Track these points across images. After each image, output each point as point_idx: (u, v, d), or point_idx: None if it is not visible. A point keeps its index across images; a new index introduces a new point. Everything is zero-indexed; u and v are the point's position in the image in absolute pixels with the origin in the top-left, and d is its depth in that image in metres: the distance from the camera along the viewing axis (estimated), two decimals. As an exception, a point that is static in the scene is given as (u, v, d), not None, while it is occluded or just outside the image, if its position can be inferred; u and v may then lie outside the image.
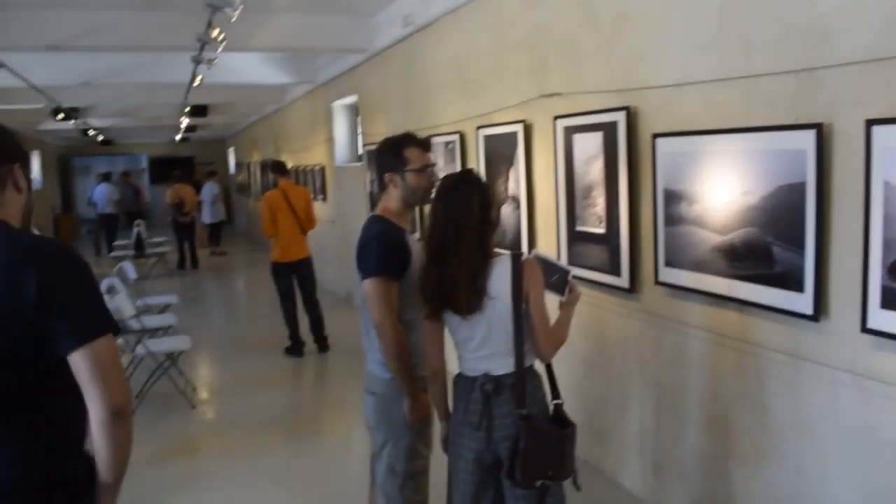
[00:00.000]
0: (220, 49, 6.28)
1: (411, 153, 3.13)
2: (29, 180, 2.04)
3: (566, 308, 2.90)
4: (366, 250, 3.05)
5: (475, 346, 2.76)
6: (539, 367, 2.86)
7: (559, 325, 2.83)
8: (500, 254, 2.75)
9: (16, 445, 1.83)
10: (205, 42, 5.86)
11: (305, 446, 5.53)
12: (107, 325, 1.85)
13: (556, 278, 2.91)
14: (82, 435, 1.91)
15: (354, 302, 9.89)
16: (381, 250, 3.02)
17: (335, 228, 10.93)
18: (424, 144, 3.22)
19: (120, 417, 1.82)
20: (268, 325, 9.19)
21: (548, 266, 2.91)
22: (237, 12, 4.69)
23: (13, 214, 1.96)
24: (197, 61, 6.76)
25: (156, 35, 7.37)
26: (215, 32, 5.70)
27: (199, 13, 6.55)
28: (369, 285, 3.01)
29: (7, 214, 1.93)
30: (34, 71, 9.11)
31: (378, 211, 3.20)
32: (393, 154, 3.13)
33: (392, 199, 3.16)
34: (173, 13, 7.13)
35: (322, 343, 7.90)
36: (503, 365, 2.73)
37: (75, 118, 14.21)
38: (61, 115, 12.96)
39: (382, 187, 3.17)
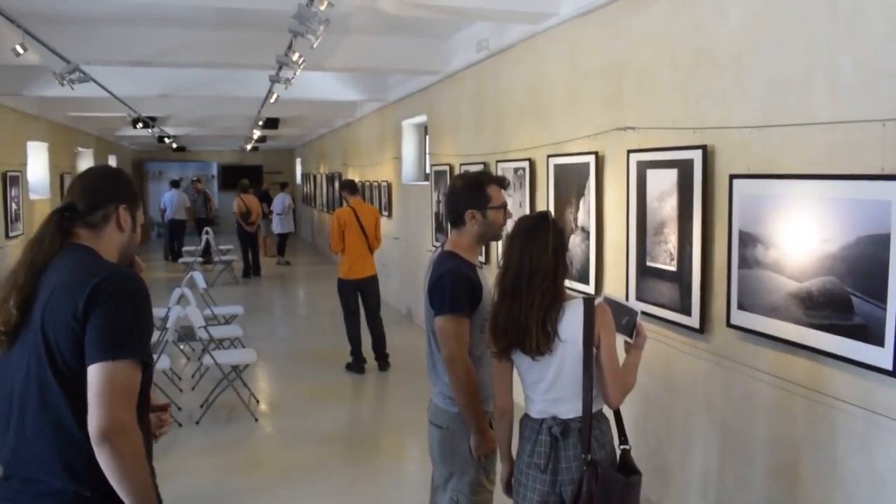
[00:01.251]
0: (298, 70, 6.42)
1: (493, 191, 3.17)
2: (136, 222, 2.24)
3: (634, 352, 2.88)
4: (439, 286, 3.08)
5: (544, 389, 2.76)
6: (607, 410, 2.85)
7: (627, 370, 2.82)
8: (573, 297, 2.76)
9: (62, 436, 1.96)
10: (284, 64, 6.01)
11: (362, 466, 5.58)
12: (130, 352, 1.95)
13: (627, 320, 2.90)
14: None
15: (416, 321, 9.96)
16: (454, 287, 3.05)
17: (399, 245, 11.03)
18: (503, 183, 3.28)
19: (104, 444, 1.87)
20: (329, 338, 9.33)
21: (618, 308, 2.91)
22: (318, 40, 4.79)
23: (109, 249, 2.16)
24: (274, 80, 6.93)
25: (234, 53, 7.59)
26: (295, 56, 5.84)
27: (275, 32, 6.72)
28: (442, 322, 3.04)
29: (103, 248, 2.14)
30: (118, 83, 9.46)
31: (449, 246, 3.23)
32: (476, 191, 3.16)
33: (466, 235, 3.19)
34: (251, 32, 7.33)
35: (383, 361, 7.97)
36: (571, 409, 2.72)
37: (152, 127, 14.68)
38: (140, 125, 13.40)
39: (458, 223, 3.19)
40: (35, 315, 2.00)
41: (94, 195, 2.19)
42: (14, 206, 11.11)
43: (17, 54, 5.73)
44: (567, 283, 2.79)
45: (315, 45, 5.05)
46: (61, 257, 2.09)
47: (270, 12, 5.58)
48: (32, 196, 12.37)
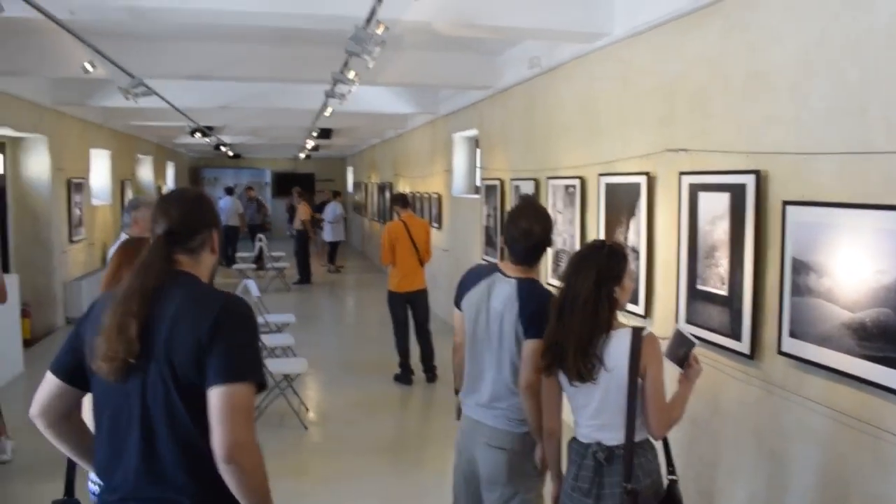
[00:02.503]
0: (353, 87, 6.55)
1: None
2: (221, 242, 2.34)
3: (685, 384, 2.89)
4: (540, 314, 3.06)
5: (590, 415, 2.81)
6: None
7: (675, 403, 2.83)
8: (621, 326, 2.79)
9: (184, 458, 2.06)
10: (339, 81, 6.13)
11: (407, 477, 5.65)
12: (251, 375, 2.06)
13: (683, 351, 2.91)
14: None
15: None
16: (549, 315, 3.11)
17: (448, 257, 11.10)
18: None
19: (230, 463, 1.98)
20: (377, 348, 9.43)
21: (680, 339, 2.93)
22: (373, 61, 4.89)
23: (204, 273, 2.28)
24: (330, 95, 7.07)
25: (291, 68, 7.78)
26: (351, 74, 5.97)
27: (331, 47, 6.86)
28: (536, 346, 3.05)
29: (200, 271, 2.26)
30: (178, 95, 9.73)
31: (521, 274, 3.27)
32: (550, 231, 3.32)
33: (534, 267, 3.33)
34: (308, 48, 7.49)
35: (431, 373, 8.04)
36: (616, 436, 2.76)
37: (210, 136, 15.04)
38: (198, 134, 13.75)
39: (536, 260, 3.34)
40: (157, 344, 2.06)
41: (193, 221, 2.26)
42: (77, 211, 11.48)
43: (87, 71, 5.96)
44: (623, 323, 2.82)
45: (370, 66, 5.15)
46: (171, 286, 2.15)
47: (328, 30, 5.70)
48: (94, 202, 12.77)
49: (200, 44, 7.41)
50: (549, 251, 3.31)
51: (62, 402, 2.23)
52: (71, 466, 2.55)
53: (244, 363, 2.07)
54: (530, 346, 3.10)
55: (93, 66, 6.04)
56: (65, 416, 2.26)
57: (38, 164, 10.30)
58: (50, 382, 2.23)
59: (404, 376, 7.99)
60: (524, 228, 3.24)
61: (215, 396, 2.00)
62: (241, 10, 4.93)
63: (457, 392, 3.62)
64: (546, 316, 3.07)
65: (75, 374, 2.20)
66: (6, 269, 9.18)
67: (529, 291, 3.21)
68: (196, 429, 2.05)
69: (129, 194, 14.94)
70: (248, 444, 2.02)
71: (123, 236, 4.79)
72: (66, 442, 2.30)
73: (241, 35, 7.08)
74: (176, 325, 2.07)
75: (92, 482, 2.82)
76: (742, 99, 4.15)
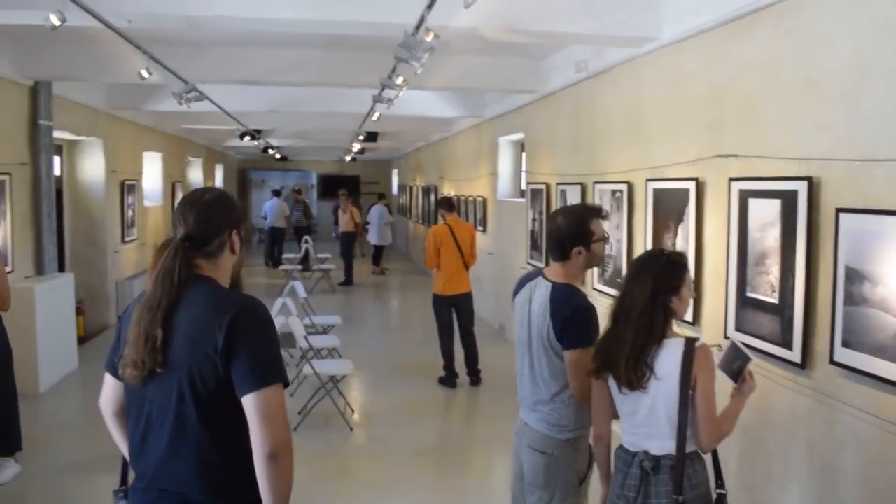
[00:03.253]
0: (401, 92, 6.61)
1: (594, 225, 3.26)
2: (241, 241, 2.36)
3: (737, 398, 2.87)
4: (573, 321, 3.12)
5: (637, 423, 2.80)
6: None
7: (726, 416, 2.81)
8: (674, 335, 2.78)
9: (199, 461, 2.14)
10: (387, 86, 6.19)
11: (450, 481, 5.67)
12: (277, 376, 2.13)
13: (738, 365, 2.89)
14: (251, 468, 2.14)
15: (508, 336, 10.00)
16: (589, 321, 3.14)
17: (493, 260, 11.11)
18: (601, 212, 3.36)
19: (275, 459, 2.06)
20: (421, 350, 9.48)
21: (735, 352, 2.91)
22: (422, 67, 4.94)
23: (224, 275, 2.31)
24: (377, 100, 7.14)
25: (339, 73, 7.89)
26: (399, 79, 6.02)
27: (379, 52, 6.95)
28: (579, 356, 3.07)
29: (219, 275, 2.29)
30: (229, 99, 9.93)
31: (558, 277, 3.26)
32: (580, 227, 3.23)
33: (573, 267, 3.25)
34: (357, 53, 7.60)
35: (475, 377, 8.06)
36: (664, 446, 2.74)
37: (258, 139, 15.27)
38: (248, 138, 13.98)
39: (564, 258, 3.26)
40: (175, 349, 2.13)
41: (210, 225, 2.26)
42: (130, 212, 11.75)
43: (143, 78, 6.12)
44: (676, 332, 2.81)
45: (419, 72, 5.20)
46: (189, 291, 2.19)
47: (376, 35, 5.77)
48: (146, 203, 13.06)
49: (252, 50, 7.55)
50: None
51: (116, 396, 2.36)
52: (126, 459, 2.67)
53: (269, 367, 2.12)
54: (571, 357, 3.11)
55: (149, 72, 6.20)
56: (121, 412, 2.37)
57: (93, 167, 10.58)
58: (107, 379, 2.38)
59: (448, 379, 8.02)
60: (555, 224, 3.30)
61: (250, 403, 2.08)
62: (294, 17, 5.02)
63: None
64: (583, 325, 3.10)
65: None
66: (62, 269, 9.44)
67: (563, 296, 3.20)
68: (207, 436, 2.14)
69: (180, 196, 15.24)
70: (288, 442, 2.11)
71: None
72: (121, 433, 2.42)
73: (291, 41, 7.19)
74: (192, 333, 2.13)
75: None
76: (794, 104, 4.10)
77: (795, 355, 3.99)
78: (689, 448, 2.74)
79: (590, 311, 3.17)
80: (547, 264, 3.47)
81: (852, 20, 3.65)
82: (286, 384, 2.16)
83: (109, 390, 2.37)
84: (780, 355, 4.11)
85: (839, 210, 3.63)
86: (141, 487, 2.24)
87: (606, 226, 3.59)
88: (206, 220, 2.26)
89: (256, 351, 2.11)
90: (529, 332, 3.28)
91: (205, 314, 2.14)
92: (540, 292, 3.26)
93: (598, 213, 3.33)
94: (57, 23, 4.37)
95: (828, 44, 3.82)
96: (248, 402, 2.07)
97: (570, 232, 3.23)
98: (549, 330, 3.16)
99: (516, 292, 3.48)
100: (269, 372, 2.11)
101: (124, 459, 2.65)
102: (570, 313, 3.13)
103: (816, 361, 3.88)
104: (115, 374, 2.31)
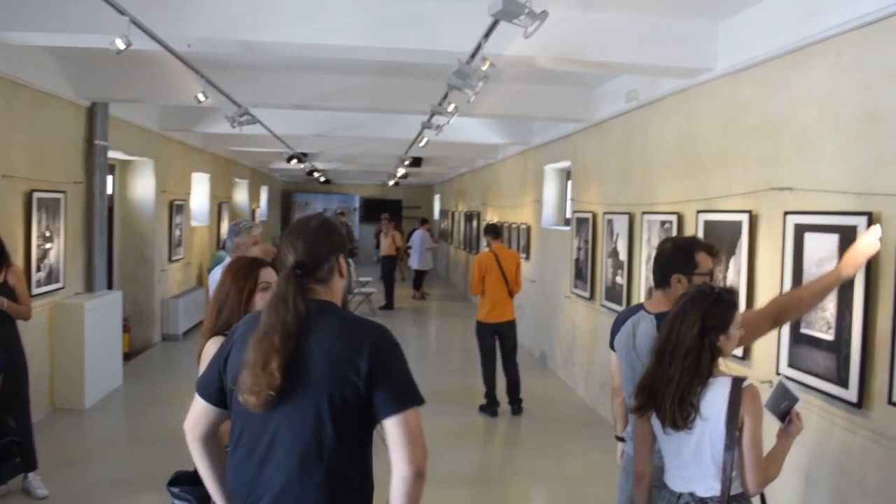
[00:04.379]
0: (451, 119, 6.65)
1: (701, 258, 3.23)
2: (347, 265, 2.43)
3: (783, 440, 2.80)
4: None
5: (682, 463, 2.74)
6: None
7: (773, 458, 2.74)
8: (721, 374, 2.72)
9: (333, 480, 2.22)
10: (438, 113, 6.23)
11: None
12: (416, 398, 2.24)
13: (785, 405, 2.82)
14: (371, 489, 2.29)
15: (549, 365, 9.93)
16: None
17: (535, 288, 11.05)
18: (712, 250, 3.33)
19: (419, 477, 2.18)
20: (462, 377, 9.44)
21: (782, 392, 2.85)
22: (475, 95, 4.96)
23: (337, 297, 2.37)
24: (426, 126, 7.19)
25: (390, 99, 7.96)
26: (451, 107, 6.06)
27: (430, 79, 7.00)
28: None
29: (334, 297, 2.36)
30: (278, 122, 10.08)
31: (664, 307, 3.17)
32: (685, 256, 3.23)
33: (670, 297, 3.18)
34: (407, 79, 7.67)
35: (516, 405, 7.99)
36: (709, 487, 2.68)
37: (304, 162, 15.46)
38: (294, 161, 14.16)
39: (664, 284, 3.24)
40: (312, 375, 2.18)
41: (318, 252, 2.32)
42: (177, 231, 11.95)
43: (199, 101, 6.24)
44: (723, 371, 2.76)
45: (471, 100, 5.22)
46: (319, 317, 2.24)
47: (428, 62, 5.81)
48: (193, 223, 13.26)
49: (303, 74, 7.67)
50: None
51: (207, 421, 2.38)
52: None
53: (409, 390, 2.23)
54: None
55: (205, 95, 6.33)
56: (209, 436, 2.40)
57: (143, 186, 10.80)
58: (197, 402, 2.39)
59: (490, 407, 7.97)
60: (661, 249, 3.33)
61: (395, 424, 2.16)
62: (350, 44, 5.09)
63: (618, 438, 3.65)
64: None
65: (219, 395, 2.34)
66: (110, 286, 9.61)
67: (644, 323, 3.22)
68: (346, 455, 2.22)
69: (226, 216, 15.47)
70: (426, 458, 2.21)
71: (229, 259, 4.98)
72: (205, 459, 2.41)
73: (343, 67, 7.28)
74: (331, 357, 2.20)
75: None
76: (853, 138, 4.03)
77: (851, 394, 3.88)
78: (735, 490, 2.66)
79: None
80: (650, 295, 3.42)
81: (917, 54, 3.60)
82: (422, 403, 2.24)
83: (199, 414, 2.38)
84: (835, 394, 4.01)
85: (901, 247, 3.55)
86: None
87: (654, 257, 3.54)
88: (315, 246, 2.33)
89: (398, 376, 2.23)
90: (639, 367, 3.16)
91: (343, 340, 2.22)
92: (644, 326, 3.24)
93: (707, 248, 3.31)
94: (122, 47, 4.48)
95: (891, 77, 3.76)
96: (392, 425, 2.17)
97: (675, 258, 3.24)
98: None
99: (616, 329, 3.45)
100: (410, 395, 2.22)
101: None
102: None
103: (874, 401, 3.78)
104: (209, 399, 2.34)
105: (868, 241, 3.49)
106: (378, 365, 2.18)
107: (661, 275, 3.26)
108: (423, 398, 2.24)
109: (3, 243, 5.25)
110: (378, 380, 2.18)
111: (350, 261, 15.84)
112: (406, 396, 2.20)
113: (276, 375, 2.15)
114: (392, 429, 2.16)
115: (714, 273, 3.29)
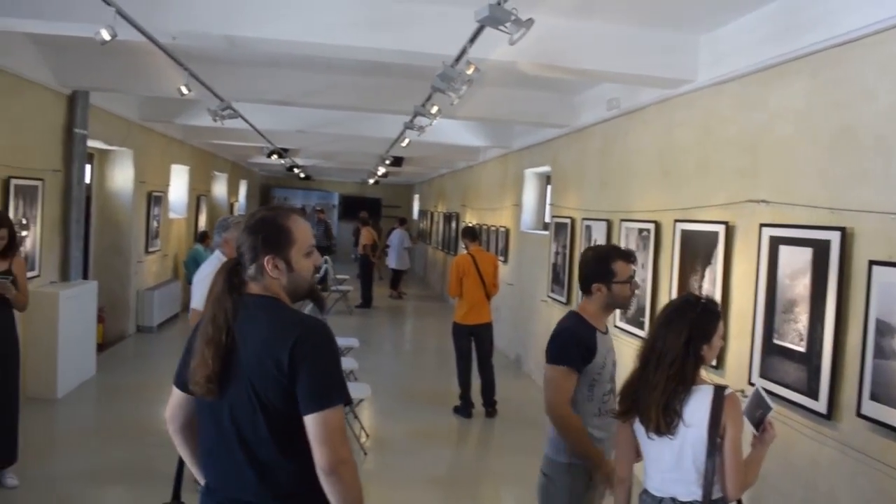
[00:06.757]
0: (434, 120, 6.67)
1: (618, 266, 3.39)
2: (289, 263, 2.36)
3: (758, 447, 2.86)
4: (554, 339, 3.36)
5: (664, 468, 2.79)
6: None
7: (750, 464, 2.79)
8: (703, 382, 2.77)
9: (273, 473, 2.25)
10: (421, 114, 6.26)
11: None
12: (338, 397, 2.22)
13: (759, 413, 2.88)
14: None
15: (525, 368, 9.99)
16: (567, 341, 3.32)
17: (512, 291, 11.10)
18: (630, 257, 3.48)
19: (332, 476, 2.17)
20: (436, 378, 9.46)
21: (758, 400, 2.91)
22: (458, 98, 4.99)
23: (278, 292, 2.35)
24: (409, 127, 7.21)
25: (373, 98, 7.97)
26: (434, 109, 6.08)
27: (414, 80, 7.01)
28: (549, 371, 3.31)
29: (273, 292, 2.34)
30: (259, 117, 10.04)
31: (577, 308, 3.50)
32: (602, 265, 3.40)
33: (593, 303, 3.44)
34: (392, 79, 7.68)
35: (491, 408, 8.02)
36: (690, 492, 2.73)
37: (285, 157, 15.41)
38: (274, 156, 14.11)
39: (587, 292, 3.45)
40: (241, 365, 2.24)
41: (247, 251, 2.33)
42: (155, 223, 11.87)
43: (182, 94, 6.22)
44: (704, 378, 2.81)
45: (455, 102, 5.25)
46: (253, 310, 2.29)
47: (413, 64, 5.83)
48: (171, 215, 13.17)
49: (287, 71, 7.65)
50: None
51: (184, 411, 2.45)
52: (179, 472, 2.81)
53: (331, 387, 2.21)
54: (546, 371, 3.34)
55: (188, 88, 6.30)
56: (187, 424, 2.47)
57: (122, 177, 10.72)
58: (174, 393, 2.46)
59: (464, 409, 7.99)
60: (584, 258, 3.54)
61: (312, 423, 2.17)
62: (335, 43, 5.09)
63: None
64: (562, 343, 3.32)
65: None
66: (86, 276, 9.54)
67: (561, 319, 3.47)
68: (276, 446, 2.22)
69: (204, 209, 15.37)
70: (347, 460, 2.20)
71: (218, 255, 4.96)
72: (186, 447, 2.50)
73: (327, 65, 7.28)
74: (257, 349, 2.22)
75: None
76: (829, 154, 4.10)
77: (821, 405, 3.96)
78: (716, 495, 2.72)
79: (573, 335, 3.33)
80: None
81: (894, 72, 3.67)
82: (348, 402, 2.25)
83: (176, 404, 2.46)
84: (805, 404, 4.09)
85: (872, 262, 3.63)
86: (211, 498, 2.35)
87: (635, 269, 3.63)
88: (244, 245, 2.35)
89: (318, 373, 2.20)
90: None
91: (269, 334, 2.23)
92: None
93: (625, 255, 3.47)
94: (107, 38, 4.46)
95: (866, 94, 3.84)
96: (309, 422, 2.17)
97: (593, 267, 3.43)
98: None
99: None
100: (330, 394, 2.19)
101: (178, 473, 2.80)
102: (556, 334, 3.37)
103: (843, 413, 3.85)
104: (182, 388, 2.40)
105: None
106: (299, 361, 2.17)
107: (584, 282, 3.46)
108: (347, 397, 2.23)
109: (15, 232, 5.32)
110: (298, 375, 2.17)
111: (328, 258, 15.93)
112: (324, 395, 2.18)
113: (209, 364, 2.23)
114: (309, 426, 2.17)
115: (634, 279, 3.45)
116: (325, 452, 2.15)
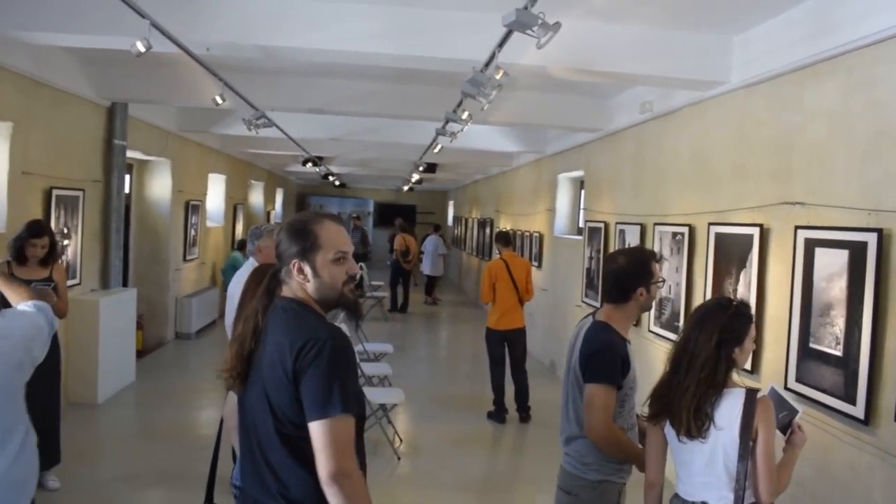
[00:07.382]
0: (465, 126, 6.69)
1: (655, 267, 3.27)
2: (315, 268, 2.36)
3: (790, 451, 2.83)
4: (596, 357, 3.14)
5: (696, 472, 2.76)
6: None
7: (782, 468, 2.76)
8: (735, 385, 2.74)
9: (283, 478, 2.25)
10: (453, 120, 6.28)
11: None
12: (345, 407, 2.17)
13: (784, 416, 2.84)
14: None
15: (559, 374, 9.95)
16: (613, 358, 3.13)
17: (546, 297, 11.06)
18: (657, 256, 3.39)
19: (331, 487, 2.14)
20: (471, 383, 9.46)
21: (779, 402, 2.87)
22: (489, 103, 5.01)
23: (304, 296, 2.36)
24: (441, 133, 7.24)
25: (405, 105, 8.02)
26: (465, 114, 6.11)
27: (445, 86, 7.05)
28: (596, 391, 3.09)
29: (299, 295, 2.36)
30: (294, 126, 10.17)
31: (602, 317, 3.28)
32: (642, 269, 3.24)
33: (625, 311, 3.25)
34: (423, 86, 7.73)
35: (524, 413, 8.00)
36: (722, 496, 2.70)
37: (320, 165, 15.54)
38: (309, 164, 14.24)
39: (624, 299, 3.25)
40: (260, 366, 2.29)
41: (279, 254, 2.39)
42: (193, 231, 12.04)
43: (217, 104, 6.32)
44: (736, 381, 2.78)
45: (485, 108, 5.26)
46: (274, 311, 2.35)
47: (444, 70, 5.86)
48: (209, 223, 13.36)
49: (321, 80, 7.75)
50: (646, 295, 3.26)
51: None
52: (212, 474, 2.88)
53: (334, 397, 2.16)
54: (588, 391, 3.12)
55: (223, 98, 6.40)
56: None
57: (160, 186, 10.90)
58: (231, 393, 2.60)
59: (498, 414, 7.98)
60: (617, 264, 3.30)
61: (314, 430, 2.17)
62: (366, 51, 5.14)
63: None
64: (608, 359, 3.10)
65: None
66: (125, 284, 9.71)
67: (594, 333, 3.22)
68: (285, 450, 2.24)
69: (241, 217, 15.56)
70: (350, 473, 2.15)
71: (252, 262, 5.03)
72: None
73: (360, 73, 7.35)
74: (271, 352, 2.26)
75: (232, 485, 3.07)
76: (864, 155, 4.04)
77: (859, 410, 3.89)
78: (748, 500, 2.69)
79: (616, 354, 3.13)
80: (601, 306, 3.44)
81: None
82: (359, 416, 2.23)
83: (231, 402, 2.62)
84: (842, 409, 4.02)
85: (910, 264, 3.56)
86: (242, 498, 2.44)
87: (667, 268, 3.59)
88: (277, 249, 2.40)
89: (321, 381, 2.17)
90: (568, 367, 3.32)
91: (282, 339, 2.25)
92: (584, 331, 3.30)
93: (654, 255, 3.38)
94: (142, 50, 4.55)
95: (903, 95, 3.78)
96: (311, 430, 2.18)
97: (635, 273, 3.24)
98: (577, 366, 3.20)
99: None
100: (332, 403, 2.15)
101: (211, 475, 2.87)
102: (596, 351, 3.15)
103: (881, 418, 3.78)
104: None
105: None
106: (304, 367, 2.17)
107: (622, 290, 3.24)
108: (352, 408, 2.19)
109: (55, 242, 5.44)
110: (303, 383, 2.18)
111: (363, 265, 16.04)
112: (324, 405, 2.15)
113: (233, 361, 2.32)
114: (313, 433, 2.17)
115: (663, 279, 3.36)
116: (324, 462, 2.14)
